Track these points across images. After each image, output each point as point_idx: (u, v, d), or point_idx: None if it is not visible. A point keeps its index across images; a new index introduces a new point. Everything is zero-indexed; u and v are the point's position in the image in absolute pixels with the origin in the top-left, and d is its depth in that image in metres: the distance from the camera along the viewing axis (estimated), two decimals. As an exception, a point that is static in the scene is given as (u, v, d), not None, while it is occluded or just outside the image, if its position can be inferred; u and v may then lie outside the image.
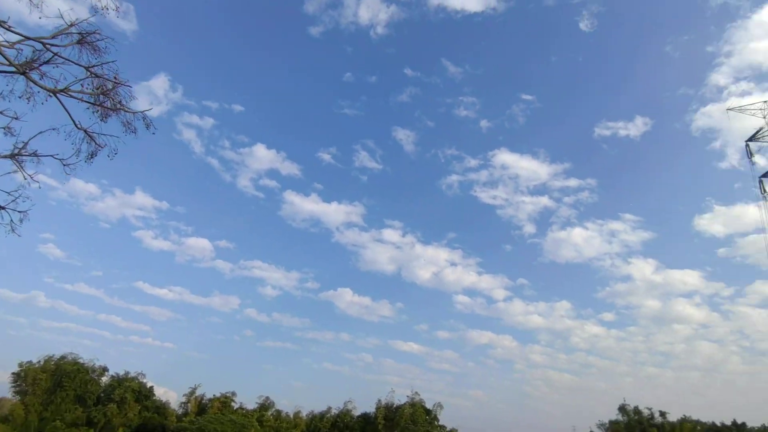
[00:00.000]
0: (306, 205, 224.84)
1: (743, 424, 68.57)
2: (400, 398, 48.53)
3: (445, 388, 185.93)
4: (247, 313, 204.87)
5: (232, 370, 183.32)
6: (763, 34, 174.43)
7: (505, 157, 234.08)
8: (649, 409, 48.76)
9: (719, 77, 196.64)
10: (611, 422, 49.63)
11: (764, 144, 68.60)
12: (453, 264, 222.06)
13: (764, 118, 68.33)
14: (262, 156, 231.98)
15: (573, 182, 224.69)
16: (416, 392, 47.52)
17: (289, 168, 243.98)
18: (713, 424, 65.47)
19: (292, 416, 50.42)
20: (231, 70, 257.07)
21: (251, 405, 49.76)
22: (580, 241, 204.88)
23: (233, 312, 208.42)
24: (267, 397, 51.05)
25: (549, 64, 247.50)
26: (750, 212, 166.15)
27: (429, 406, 48.48)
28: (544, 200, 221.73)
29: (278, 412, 50.56)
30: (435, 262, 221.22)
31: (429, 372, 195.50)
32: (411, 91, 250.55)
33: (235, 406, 49.19)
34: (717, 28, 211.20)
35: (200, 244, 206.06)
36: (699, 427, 45.54)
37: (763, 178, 67.98)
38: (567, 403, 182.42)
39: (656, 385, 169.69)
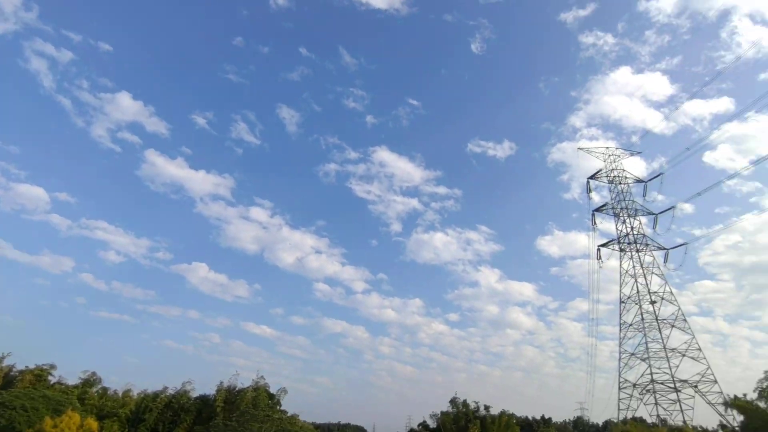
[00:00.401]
0: (169, 169, 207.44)
1: (549, 419, 78.96)
2: (244, 381, 47.10)
3: (293, 373, 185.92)
4: (81, 278, 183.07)
5: (55, 340, 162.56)
6: (615, 90, 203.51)
7: (384, 155, 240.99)
8: (476, 402, 53.75)
9: (576, 119, 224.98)
10: (442, 413, 53.71)
11: (601, 183, 79.62)
12: (318, 251, 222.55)
13: (604, 161, 79.29)
14: (126, 106, 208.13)
15: (442, 190, 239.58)
16: (262, 376, 46.53)
17: (156, 125, 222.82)
18: (526, 418, 74.43)
19: (120, 395, 46.14)
20: (105, 0, 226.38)
21: (73, 380, 44.50)
22: (440, 245, 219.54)
23: (65, 275, 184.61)
24: (93, 373, 45.93)
25: (438, 76, 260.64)
26: (581, 240, 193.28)
27: (274, 390, 47.83)
28: (414, 202, 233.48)
29: (105, 389, 45.92)
30: (300, 248, 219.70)
31: (278, 357, 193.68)
32: (303, 72, 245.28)
33: (53, 380, 43.52)
34: (581, 77, 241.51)
35: (33, 192, 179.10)
36: (514, 420, 51.26)
37: (595, 212, 78.88)
38: (407, 394, 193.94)
39: (485, 382, 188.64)
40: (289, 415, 45.48)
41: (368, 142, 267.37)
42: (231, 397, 43.96)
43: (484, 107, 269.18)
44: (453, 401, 54.66)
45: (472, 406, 53.65)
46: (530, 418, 76.91)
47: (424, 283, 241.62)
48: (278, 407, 45.91)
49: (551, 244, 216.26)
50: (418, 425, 61.36)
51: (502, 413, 50.96)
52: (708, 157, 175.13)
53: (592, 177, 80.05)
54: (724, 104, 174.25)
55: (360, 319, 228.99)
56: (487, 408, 53.69)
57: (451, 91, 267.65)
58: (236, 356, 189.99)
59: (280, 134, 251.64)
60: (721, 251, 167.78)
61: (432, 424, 55.82)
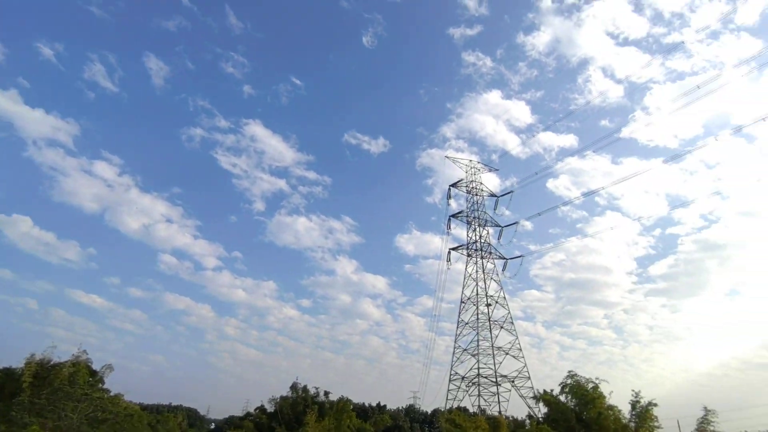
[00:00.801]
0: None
1: (384, 405, 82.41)
2: (62, 355, 40.71)
3: (123, 349, 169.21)
4: None
5: None
6: (485, 110, 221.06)
7: (257, 129, 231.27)
8: (316, 388, 53.68)
9: (448, 130, 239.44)
10: (281, 398, 52.67)
11: (460, 192, 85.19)
12: (169, 220, 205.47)
13: (466, 173, 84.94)
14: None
15: (312, 175, 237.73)
16: (84, 351, 40.72)
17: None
18: (363, 404, 76.63)
19: None
20: None
21: None
22: (302, 230, 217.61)
23: None
24: None
25: (326, 60, 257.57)
26: (435, 242, 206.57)
27: (98, 367, 42.16)
28: (282, 183, 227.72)
29: None
30: (149, 214, 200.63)
31: (108, 330, 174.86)
32: (181, 23, 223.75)
33: None
34: (458, 92, 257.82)
35: None
36: (351, 406, 52.22)
37: (451, 217, 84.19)
38: (249, 378, 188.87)
39: (329, 368, 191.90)
40: (112, 394, 40.51)
41: (242, 112, 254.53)
42: (43, 372, 37.60)
43: (366, 101, 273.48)
44: (293, 386, 54.12)
45: (312, 391, 53.73)
46: (367, 404, 79.59)
47: (280, 267, 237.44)
48: (100, 385, 40.62)
49: (408, 242, 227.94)
50: (255, 409, 59.49)
51: (341, 399, 51.76)
52: (550, 184, 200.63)
53: (454, 185, 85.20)
54: (569, 140, 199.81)
55: (207, 297, 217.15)
56: (326, 394, 54.17)
57: (336, 78, 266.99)
58: (56, 326, 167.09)
59: (143, 86, 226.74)
60: (548, 266, 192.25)
61: (270, 408, 54.56)
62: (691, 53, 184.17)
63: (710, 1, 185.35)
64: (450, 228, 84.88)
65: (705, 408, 34.85)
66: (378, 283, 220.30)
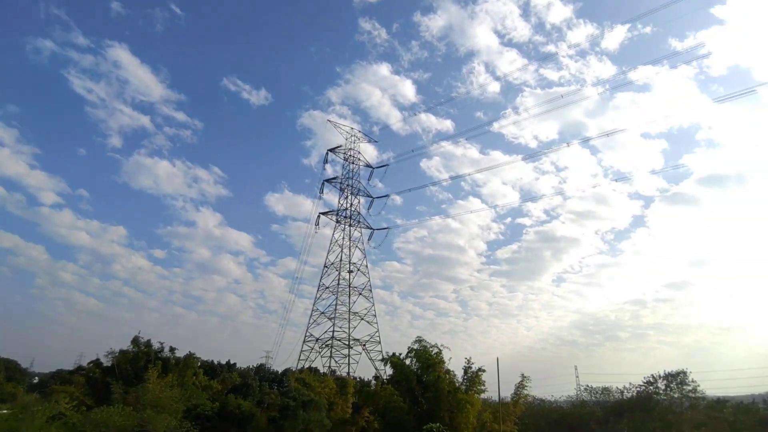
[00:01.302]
0: None
1: (234, 364, 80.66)
2: None
3: None
4: None
5: None
6: (373, 81, 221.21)
7: (123, 55, 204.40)
8: (161, 343, 50.56)
9: (334, 94, 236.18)
10: (121, 351, 48.64)
11: (338, 158, 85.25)
12: (1, 143, 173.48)
13: (346, 140, 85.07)
14: None
15: (181, 116, 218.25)
16: None
17: None
18: (211, 361, 74.12)
19: None
20: None
21: None
22: (163, 174, 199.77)
23: None
24: None
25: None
26: (306, 204, 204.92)
27: None
28: (145, 120, 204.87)
29: None
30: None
31: None
32: None
33: None
34: (350, 57, 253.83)
35: None
36: (198, 363, 50.25)
37: (326, 182, 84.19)
38: (86, 329, 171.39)
39: (179, 324, 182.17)
40: None
41: (106, 32, 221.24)
42: None
43: (252, 48, 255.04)
44: (135, 340, 50.27)
45: (156, 346, 50.43)
46: (216, 362, 77.45)
47: (133, 212, 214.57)
48: None
49: (279, 202, 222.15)
50: (89, 363, 54.21)
51: (189, 355, 49.50)
52: (424, 163, 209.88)
53: (332, 150, 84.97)
54: (447, 125, 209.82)
55: (41, 237, 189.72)
56: (172, 350, 51.30)
57: (223, 16, 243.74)
58: None
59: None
60: (411, 241, 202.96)
61: (107, 363, 50.07)
62: (561, 65, 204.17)
63: (584, 23, 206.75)
64: (323, 193, 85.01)
65: (522, 375, 40.60)
66: (242, 240, 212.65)
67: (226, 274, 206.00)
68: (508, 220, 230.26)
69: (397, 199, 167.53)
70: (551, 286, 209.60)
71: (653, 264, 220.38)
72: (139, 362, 45.84)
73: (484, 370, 39.28)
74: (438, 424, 27.89)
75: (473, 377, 38.68)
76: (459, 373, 39.18)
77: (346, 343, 66.64)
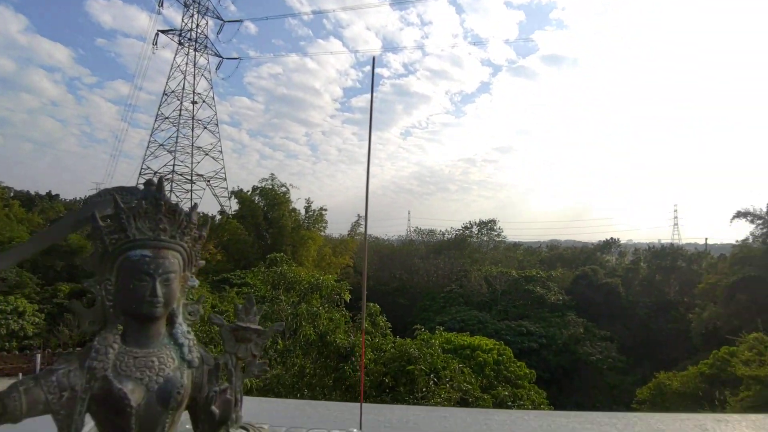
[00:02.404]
0: None
1: (57, 195, 72.85)
2: None
3: None
4: None
5: None
6: None
7: None
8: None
9: None
10: None
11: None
12: None
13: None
14: None
15: None
16: None
17: None
18: (27, 192, 65.74)
19: None
20: None
21: None
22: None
23: None
24: None
25: None
26: (141, 19, 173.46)
27: None
28: None
29: None
30: None
31: None
32: None
33: None
34: None
35: None
36: (11, 194, 44.56)
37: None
38: None
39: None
40: None
41: None
42: None
43: None
44: None
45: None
46: (33, 192, 68.91)
47: None
48: None
49: (105, 10, 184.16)
50: None
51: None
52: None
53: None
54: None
55: None
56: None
57: None
58: None
59: None
60: (264, 77, 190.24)
61: None
62: None
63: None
64: (162, 6, 72.50)
65: (358, 215, 44.73)
66: (58, 53, 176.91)
67: (38, 93, 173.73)
68: (367, 68, 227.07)
69: (252, 27, 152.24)
70: (398, 138, 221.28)
71: (488, 128, 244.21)
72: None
73: (326, 210, 41.78)
74: (282, 254, 29.67)
75: (316, 216, 41.03)
76: (304, 212, 41.21)
77: (188, 178, 63.82)
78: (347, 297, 11.27)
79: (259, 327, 1.24)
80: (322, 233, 42.20)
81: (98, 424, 0.99)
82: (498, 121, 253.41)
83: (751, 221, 29.97)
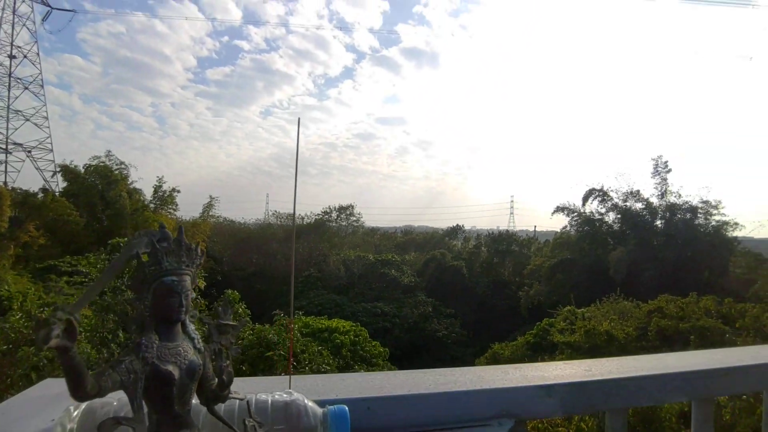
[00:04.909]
0: None
1: None
2: None
3: None
4: None
5: None
6: None
7: None
8: None
9: None
10: None
11: None
12: None
13: None
14: None
15: None
16: None
17: None
18: None
19: None
20: None
21: None
22: None
23: None
24: None
25: None
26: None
27: None
28: None
29: None
30: None
31: None
32: None
33: None
34: None
35: None
36: None
37: None
38: None
39: None
40: None
41: None
42: None
43: None
44: None
45: None
46: None
47: None
48: None
49: None
50: None
51: None
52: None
53: None
54: None
55: None
56: None
57: None
58: None
59: None
60: (103, 35, 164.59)
61: None
62: None
63: None
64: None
65: (210, 196, 42.65)
66: None
67: None
68: (226, 38, 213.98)
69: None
70: (258, 117, 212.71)
71: (350, 114, 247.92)
72: None
73: (178, 191, 38.85)
74: (125, 239, 26.93)
75: (165, 197, 37.94)
76: (150, 192, 37.88)
77: (3, 147, 53.65)
78: (201, 284, 10.62)
79: (235, 323, 1.66)
80: (172, 216, 39.01)
81: (148, 397, 1.36)
82: (360, 108, 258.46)
83: (567, 214, 35.26)
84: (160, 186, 37.90)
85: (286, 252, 43.48)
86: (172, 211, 38.90)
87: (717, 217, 29.29)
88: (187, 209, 40.75)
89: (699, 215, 29.64)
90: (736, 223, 29.14)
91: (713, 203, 29.48)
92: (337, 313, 26.48)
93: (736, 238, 29.74)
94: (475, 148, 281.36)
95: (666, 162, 31.43)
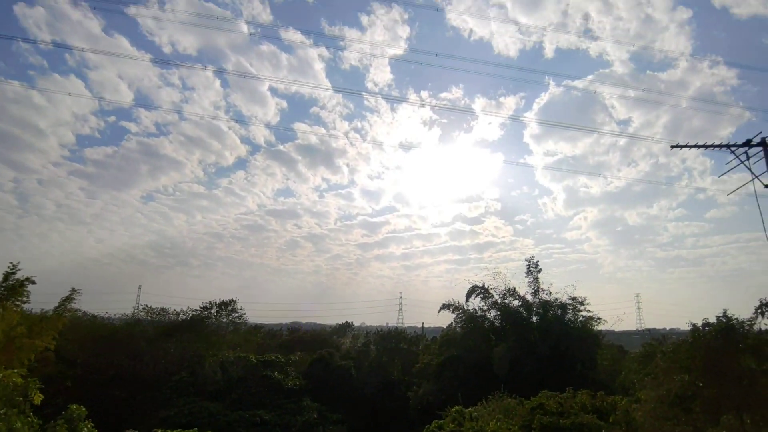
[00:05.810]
0: None
1: None
2: None
3: None
4: None
5: None
6: None
7: None
8: None
9: None
10: None
11: None
12: None
13: None
14: None
15: None
16: None
17: None
18: None
19: None
20: None
21: None
22: None
23: None
24: None
25: None
26: None
27: None
28: None
29: None
30: None
31: None
32: None
33: None
34: None
35: None
36: None
37: None
38: None
39: None
40: None
41: None
42: None
43: None
44: None
45: None
46: None
47: None
48: None
49: None
50: None
51: None
52: (19, 8, 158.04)
53: None
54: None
55: None
56: None
57: None
58: None
59: None
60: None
61: None
62: None
63: None
64: None
65: (72, 288, 37.24)
66: None
67: None
68: (113, 119, 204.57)
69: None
70: (138, 202, 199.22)
71: (240, 205, 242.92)
72: None
73: (33, 281, 33.66)
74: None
75: (14, 286, 32.54)
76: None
77: None
78: (37, 400, 8.53)
79: None
80: (19, 309, 33.05)
81: None
82: (252, 199, 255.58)
83: (453, 311, 36.33)
84: (13, 273, 32.53)
85: (157, 353, 38.73)
86: (20, 303, 33.17)
87: (584, 313, 32.05)
88: (43, 300, 34.88)
89: (568, 311, 32.21)
90: (599, 318, 32.10)
91: (580, 299, 32.38)
92: (209, 424, 23.52)
93: (600, 331, 32.62)
94: (365, 246, 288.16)
95: (537, 262, 34.40)
